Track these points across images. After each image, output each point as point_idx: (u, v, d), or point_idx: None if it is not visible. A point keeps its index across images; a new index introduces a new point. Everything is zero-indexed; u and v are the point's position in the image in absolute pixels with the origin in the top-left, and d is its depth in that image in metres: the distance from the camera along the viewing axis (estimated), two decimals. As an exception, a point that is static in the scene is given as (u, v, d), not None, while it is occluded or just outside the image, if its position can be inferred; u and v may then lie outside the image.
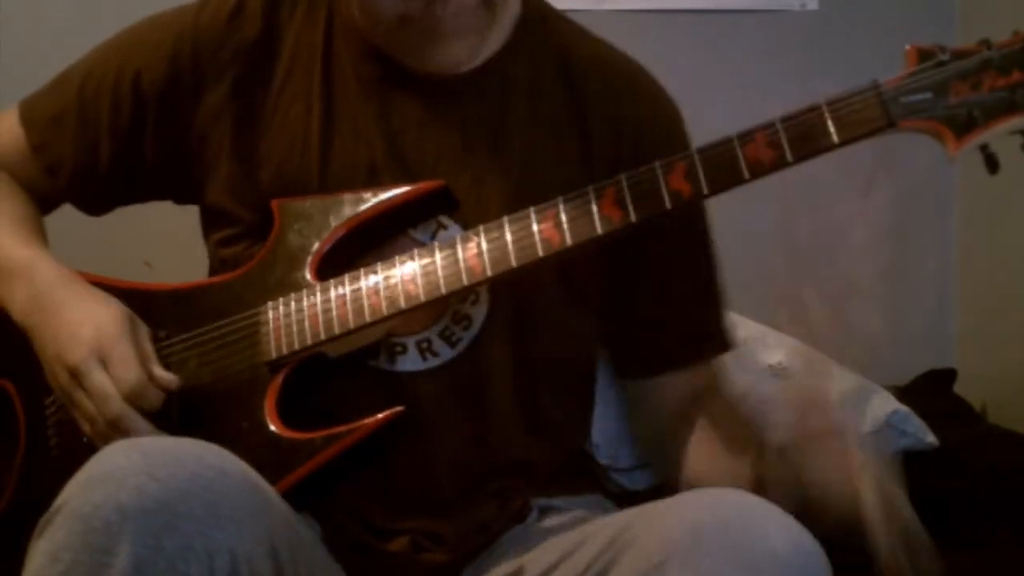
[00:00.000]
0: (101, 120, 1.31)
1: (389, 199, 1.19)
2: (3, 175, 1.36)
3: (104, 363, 1.17)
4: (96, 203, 1.38)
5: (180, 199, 1.35)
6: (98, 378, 1.16)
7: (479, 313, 1.21)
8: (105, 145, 1.31)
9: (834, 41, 2.20)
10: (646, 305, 1.28)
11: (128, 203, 1.38)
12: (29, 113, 1.36)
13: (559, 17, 1.32)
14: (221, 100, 1.27)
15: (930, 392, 2.09)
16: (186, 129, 1.28)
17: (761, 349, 1.89)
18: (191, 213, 1.34)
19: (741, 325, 1.93)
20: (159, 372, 1.19)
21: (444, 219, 1.21)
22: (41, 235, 1.34)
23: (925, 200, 2.28)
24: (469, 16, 1.18)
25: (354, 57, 1.26)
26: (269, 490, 1.05)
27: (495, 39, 1.25)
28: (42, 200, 1.37)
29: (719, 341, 1.34)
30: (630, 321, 1.29)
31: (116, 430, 1.15)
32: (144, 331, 1.22)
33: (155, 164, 1.31)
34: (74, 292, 1.24)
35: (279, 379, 1.18)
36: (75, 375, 1.18)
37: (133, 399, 1.16)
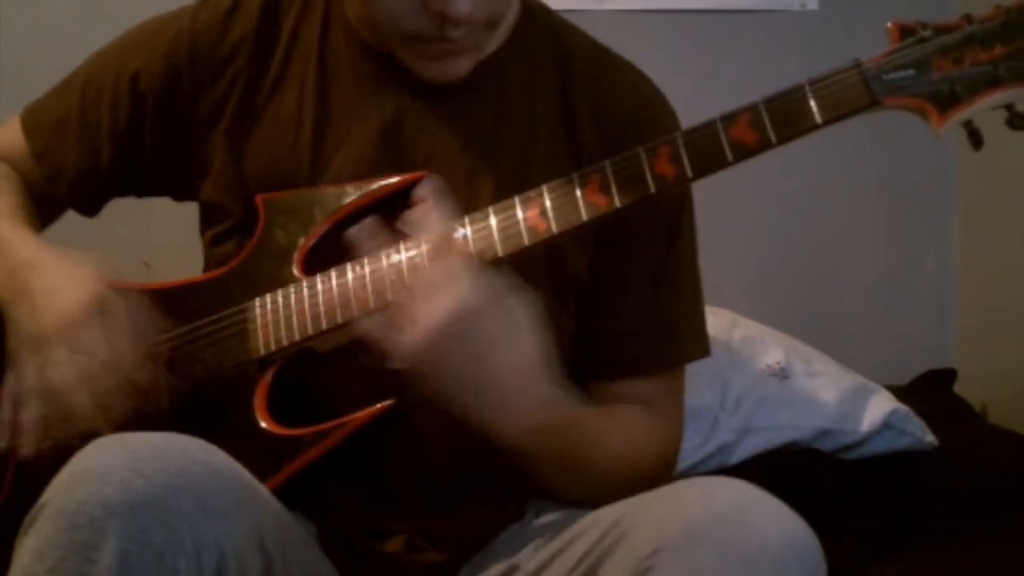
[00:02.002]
0: (102, 123, 1.31)
1: (373, 191, 1.19)
2: (9, 172, 1.37)
3: (72, 353, 1.15)
4: (95, 204, 1.38)
5: (179, 196, 1.36)
6: (67, 368, 1.14)
7: None
8: (106, 148, 1.31)
9: (834, 41, 2.20)
10: (617, 306, 1.25)
11: (125, 196, 1.38)
12: (31, 121, 1.36)
13: (554, 16, 1.32)
14: (218, 98, 1.27)
15: (930, 392, 2.10)
16: (184, 128, 1.28)
17: (759, 349, 1.89)
18: (191, 214, 1.34)
19: (740, 325, 1.94)
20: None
21: None
22: (31, 224, 1.32)
23: (925, 200, 2.28)
24: (476, 35, 1.18)
25: (351, 52, 1.26)
26: (258, 486, 1.05)
27: (493, 40, 1.24)
28: (45, 206, 1.37)
29: (687, 350, 1.29)
30: (598, 320, 1.26)
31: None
32: (120, 304, 1.18)
33: (153, 163, 1.31)
34: (52, 263, 1.22)
35: (268, 376, 1.18)
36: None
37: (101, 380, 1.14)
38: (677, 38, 2.20)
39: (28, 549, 0.95)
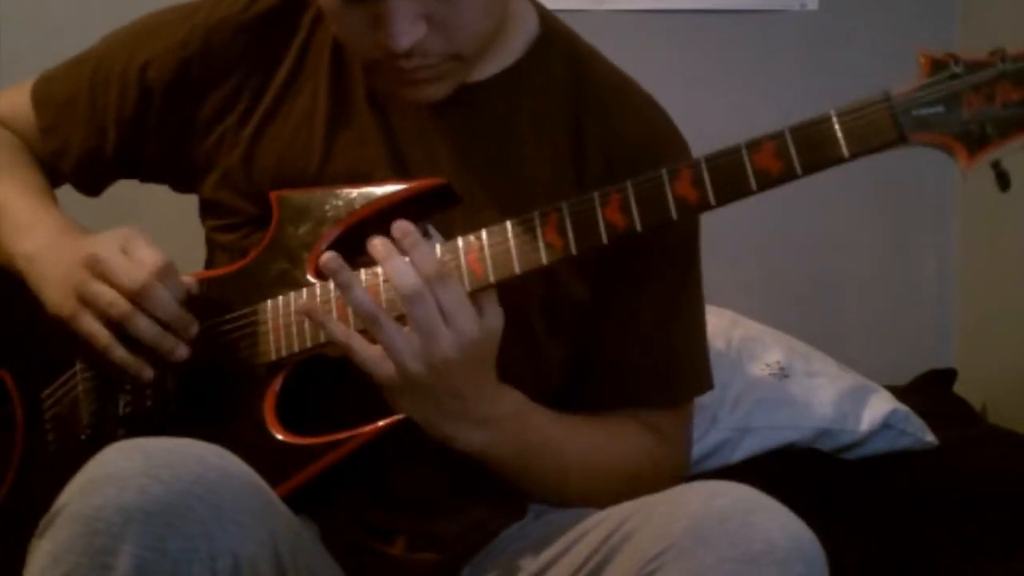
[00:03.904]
0: (109, 108, 1.31)
1: (389, 195, 1.17)
2: (21, 144, 1.37)
3: (126, 251, 1.16)
4: (96, 185, 1.38)
5: (179, 188, 1.35)
6: (122, 259, 1.15)
7: None
8: (112, 133, 1.31)
9: (834, 41, 2.20)
10: (626, 338, 1.25)
11: (129, 179, 1.38)
12: (41, 94, 1.36)
13: (577, 41, 1.29)
14: (228, 95, 1.27)
15: (930, 392, 2.10)
16: (189, 122, 1.28)
17: (759, 348, 1.89)
18: (192, 212, 1.34)
19: (740, 325, 1.94)
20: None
21: (430, 228, 1.18)
22: (54, 201, 1.34)
23: (925, 200, 2.29)
24: (436, 67, 1.15)
25: None
26: (271, 492, 1.05)
27: (505, 56, 1.23)
28: (49, 176, 1.38)
29: (693, 387, 1.31)
30: (605, 351, 1.26)
31: (143, 302, 1.13)
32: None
33: (157, 154, 1.31)
34: (85, 233, 1.24)
35: (278, 381, 1.17)
36: (96, 264, 1.15)
37: (161, 276, 1.15)
38: (677, 38, 2.20)
39: (44, 552, 0.94)
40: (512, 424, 1.16)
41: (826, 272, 2.28)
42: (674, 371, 1.27)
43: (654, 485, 1.15)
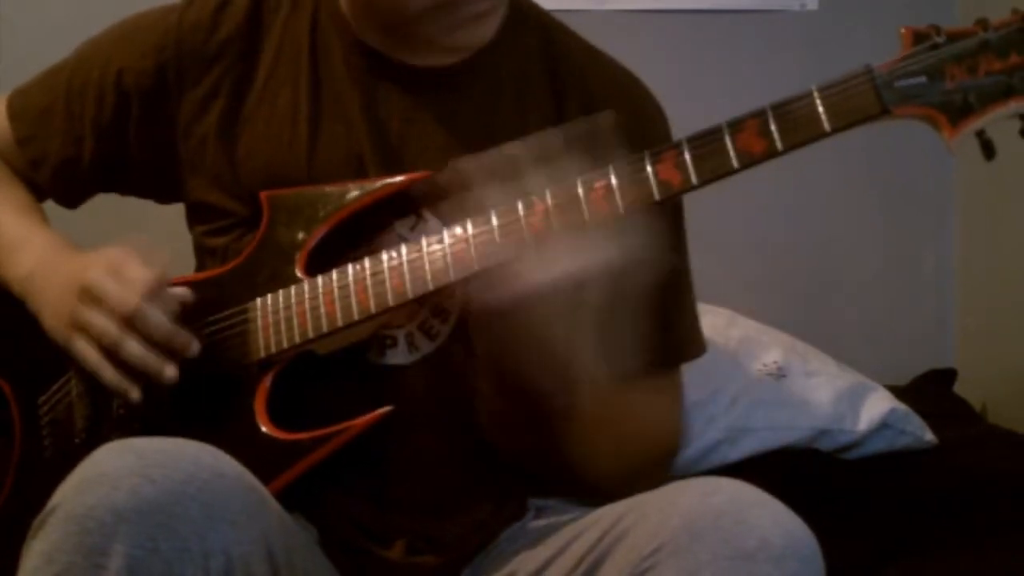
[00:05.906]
0: (86, 115, 1.31)
1: (377, 190, 1.18)
2: (2, 164, 1.37)
3: (117, 274, 1.15)
4: (74, 196, 1.38)
5: (162, 198, 1.35)
6: (112, 284, 1.14)
7: (454, 306, 1.19)
8: (89, 140, 1.31)
9: (834, 41, 2.20)
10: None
11: (108, 192, 1.38)
12: (16, 106, 1.36)
13: (545, 15, 1.32)
14: (205, 96, 1.27)
15: (930, 392, 2.10)
16: (170, 126, 1.28)
17: (757, 348, 1.88)
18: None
19: (738, 324, 1.93)
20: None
21: (426, 212, 1.20)
22: (42, 217, 1.34)
23: (925, 200, 2.28)
24: (465, 21, 1.18)
25: (342, 48, 1.26)
26: (265, 491, 1.05)
27: (482, 34, 1.25)
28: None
29: (692, 350, 1.32)
30: None
31: (132, 329, 1.13)
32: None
33: (139, 160, 1.31)
34: (77, 249, 1.24)
35: (268, 378, 1.17)
36: (87, 291, 1.15)
37: (151, 296, 1.14)
38: (677, 38, 2.20)
39: (37, 552, 0.94)
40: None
41: (826, 272, 2.28)
42: (676, 336, 1.29)
43: (669, 449, 1.21)
